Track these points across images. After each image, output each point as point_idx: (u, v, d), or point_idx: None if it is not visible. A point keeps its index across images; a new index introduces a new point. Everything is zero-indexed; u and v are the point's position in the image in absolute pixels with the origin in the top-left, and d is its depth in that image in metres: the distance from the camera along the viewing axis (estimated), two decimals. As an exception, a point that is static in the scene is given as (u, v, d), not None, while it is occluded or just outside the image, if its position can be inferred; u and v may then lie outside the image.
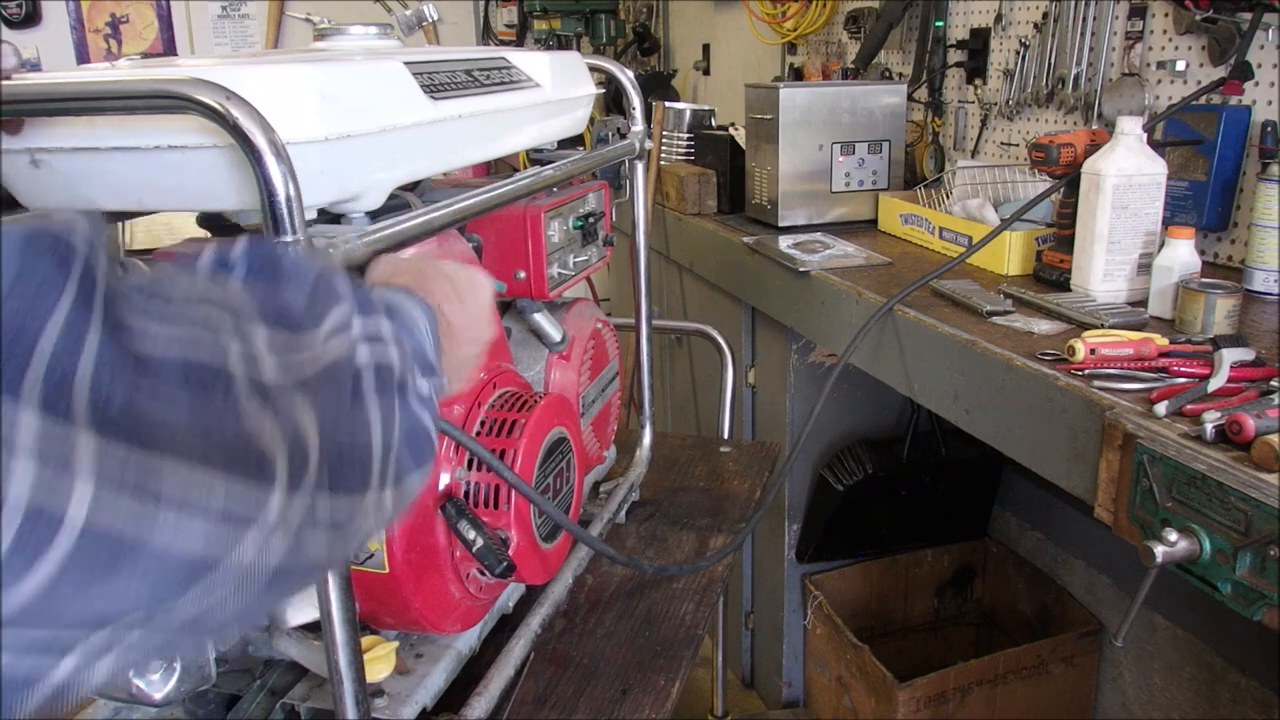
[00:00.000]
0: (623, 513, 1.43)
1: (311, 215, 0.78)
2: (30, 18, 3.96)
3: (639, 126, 1.37)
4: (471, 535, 0.92)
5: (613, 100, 3.16)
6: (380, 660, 0.92)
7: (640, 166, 1.40)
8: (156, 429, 0.37)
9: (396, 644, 0.95)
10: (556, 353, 1.26)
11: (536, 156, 1.24)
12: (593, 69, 1.31)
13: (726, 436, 1.89)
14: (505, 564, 0.93)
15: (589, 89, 1.28)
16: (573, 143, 1.31)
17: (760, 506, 1.49)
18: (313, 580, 0.58)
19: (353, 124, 0.78)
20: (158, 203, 0.78)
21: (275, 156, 0.64)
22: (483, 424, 1.00)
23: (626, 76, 1.34)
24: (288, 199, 0.64)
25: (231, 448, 0.40)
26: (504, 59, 1.12)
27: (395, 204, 0.92)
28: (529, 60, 1.16)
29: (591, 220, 1.31)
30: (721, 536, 1.39)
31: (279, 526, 0.42)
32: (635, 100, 1.36)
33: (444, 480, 0.95)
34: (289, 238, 0.65)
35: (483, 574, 0.97)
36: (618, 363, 1.46)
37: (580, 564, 1.22)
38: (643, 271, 1.45)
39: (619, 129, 1.37)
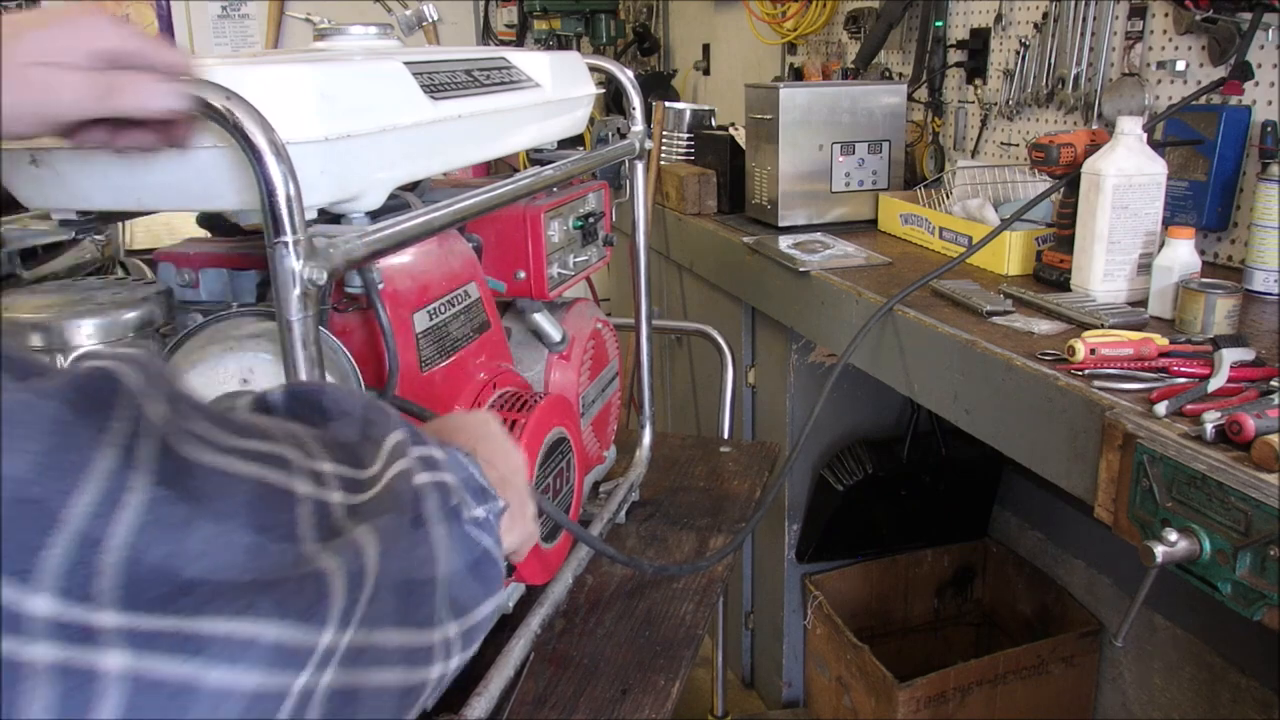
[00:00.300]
0: (623, 513, 1.43)
1: (312, 215, 0.78)
2: (30, 18, 3.95)
3: (639, 126, 1.37)
4: None
5: (613, 100, 3.16)
6: None
7: (640, 166, 1.40)
8: (198, 585, 0.35)
9: None
10: (556, 353, 1.26)
11: (536, 156, 1.24)
12: (593, 69, 1.31)
13: (726, 436, 1.89)
14: (506, 565, 0.93)
15: (589, 89, 1.28)
16: (573, 143, 1.31)
17: (760, 506, 1.49)
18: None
19: (353, 124, 0.78)
20: (157, 203, 0.77)
21: (275, 156, 0.63)
22: None
23: (626, 76, 1.34)
24: (288, 199, 0.64)
25: (284, 589, 0.38)
26: (504, 59, 1.12)
27: (395, 204, 0.92)
28: (529, 60, 1.16)
29: (591, 220, 1.31)
30: (721, 536, 1.39)
31: (327, 666, 0.39)
32: (635, 100, 1.36)
33: None
34: (289, 238, 0.65)
35: None
36: (618, 363, 1.46)
37: (580, 564, 1.22)
38: (643, 271, 1.45)
39: (619, 129, 1.37)
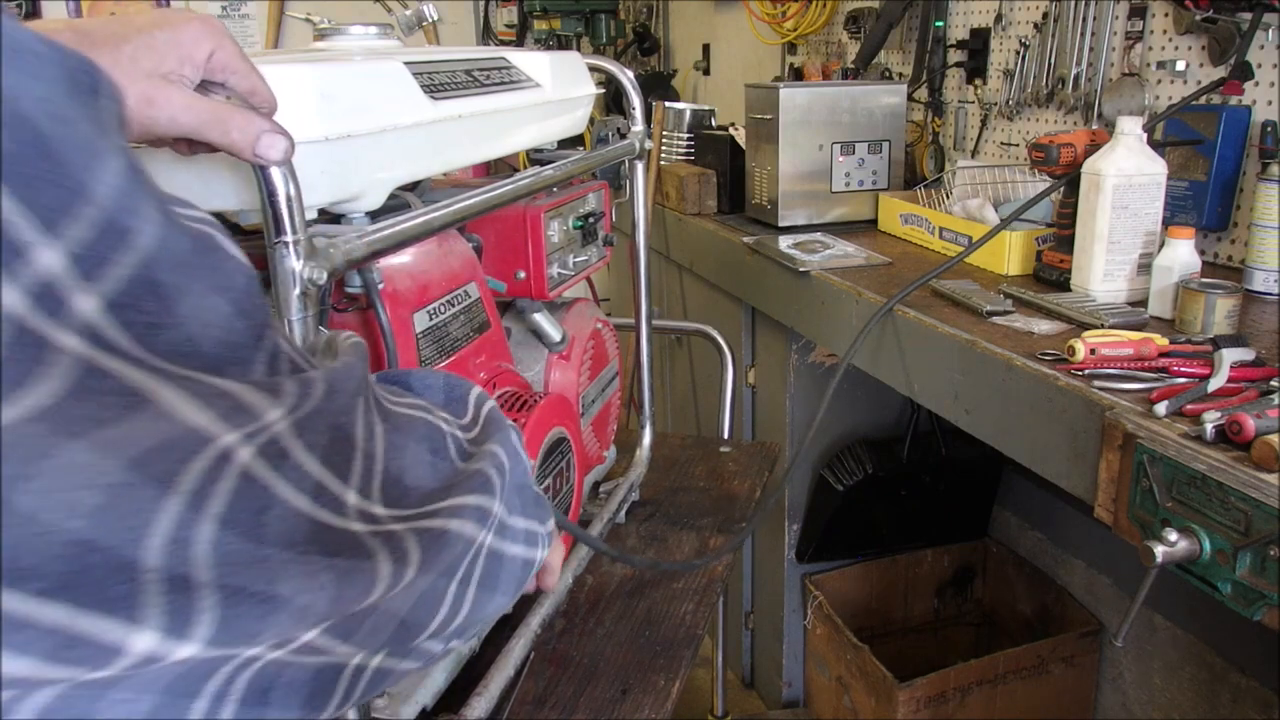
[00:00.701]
0: (622, 513, 1.42)
1: (312, 215, 0.77)
2: (29, 17, 3.96)
3: (639, 127, 1.37)
4: None
5: (612, 100, 3.16)
6: None
7: (640, 166, 1.40)
8: (419, 489, 0.50)
9: None
10: (556, 353, 1.26)
11: (536, 156, 1.24)
12: (593, 69, 1.31)
13: (726, 436, 1.89)
14: None
15: (589, 89, 1.28)
16: (573, 143, 1.31)
17: (762, 506, 1.49)
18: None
19: (353, 124, 0.78)
20: None
21: None
22: None
23: (626, 76, 1.34)
24: (288, 199, 0.64)
25: (465, 484, 0.54)
26: (504, 59, 1.12)
27: (395, 204, 0.92)
28: (529, 60, 1.16)
29: (591, 220, 1.31)
30: (722, 537, 1.39)
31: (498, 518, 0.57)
32: (635, 100, 1.35)
33: None
34: (289, 238, 0.65)
35: None
36: (618, 363, 1.46)
37: (580, 564, 1.21)
38: (643, 271, 1.45)
39: (619, 129, 1.37)
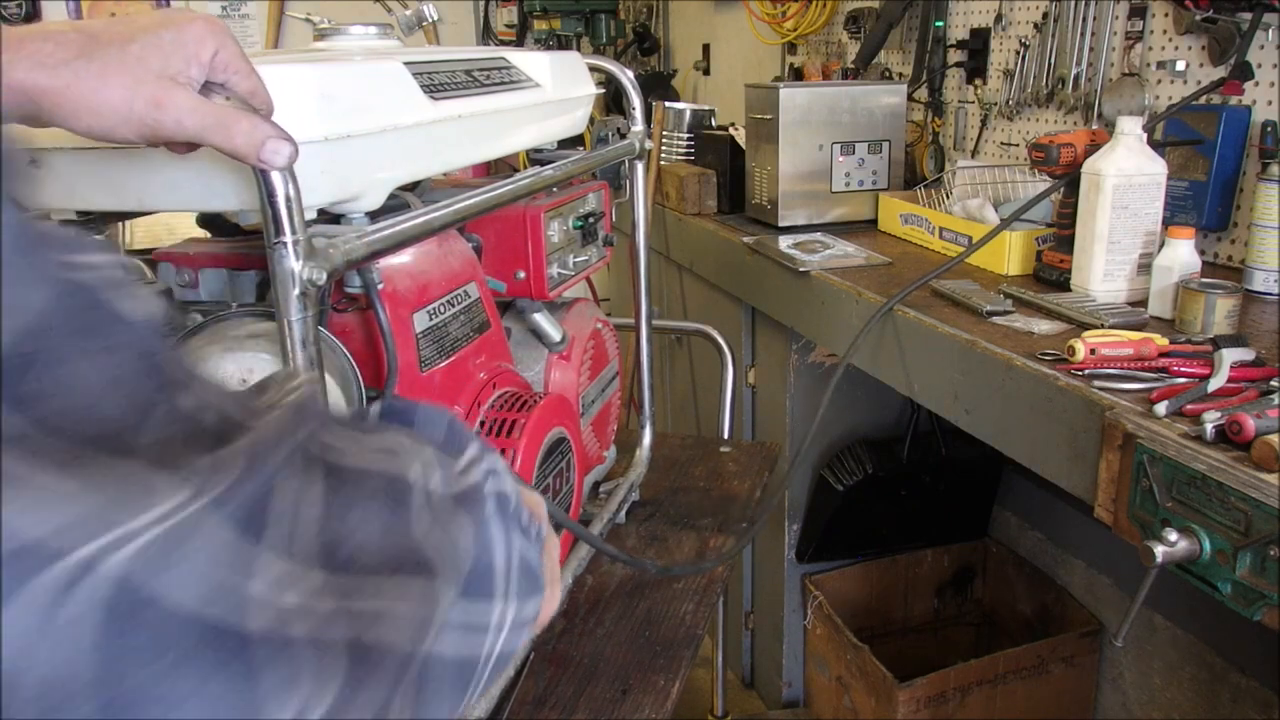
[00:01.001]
0: (623, 513, 1.42)
1: (311, 215, 0.77)
2: (30, 18, 3.95)
3: (639, 127, 1.37)
4: None
5: (612, 100, 3.16)
6: None
7: (640, 167, 1.40)
8: (356, 552, 0.40)
9: None
10: (556, 353, 1.26)
11: (536, 156, 1.24)
12: (593, 69, 1.31)
13: (726, 436, 1.89)
14: None
15: (589, 89, 1.28)
16: (573, 143, 1.31)
17: (765, 506, 1.49)
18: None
19: (353, 124, 0.78)
20: (157, 203, 0.77)
21: None
22: (482, 424, 0.99)
23: (626, 76, 1.34)
24: (287, 199, 0.64)
25: (407, 558, 0.42)
26: (504, 59, 1.12)
27: (395, 204, 0.92)
28: (529, 60, 1.16)
29: (591, 220, 1.31)
30: (722, 537, 1.39)
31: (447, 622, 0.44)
32: (635, 100, 1.35)
33: None
34: (288, 238, 0.65)
35: None
36: (618, 363, 1.46)
37: (580, 564, 1.21)
38: (642, 271, 1.45)
39: (619, 129, 1.37)
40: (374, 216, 0.83)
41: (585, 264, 1.30)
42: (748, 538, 1.36)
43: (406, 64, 0.89)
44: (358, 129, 0.78)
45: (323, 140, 0.74)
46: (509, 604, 0.51)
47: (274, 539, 0.35)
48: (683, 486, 1.56)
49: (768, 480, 1.61)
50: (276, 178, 0.64)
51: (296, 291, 0.66)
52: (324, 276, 0.67)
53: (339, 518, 0.39)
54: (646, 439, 1.51)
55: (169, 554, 0.31)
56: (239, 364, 0.83)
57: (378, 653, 0.38)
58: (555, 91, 1.17)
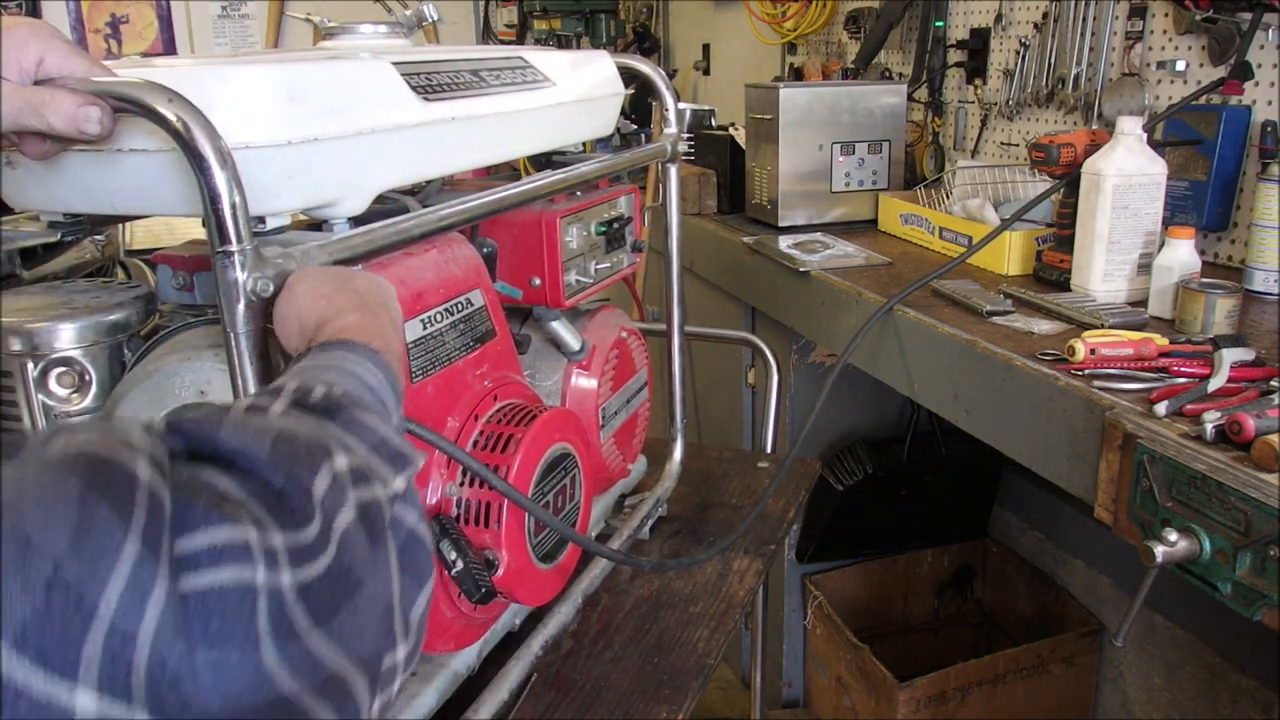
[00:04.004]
0: (646, 528, 1.37)
1: (283, 221, 0.75)
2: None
3: (672, 129, 1.30)
4: (452, 557, 0.87)
5: (630, 103, 3.14)
6: None
7: (674, 170, 1.32)
8: (198, 706, 0.35)
9: None
10: (575, 362, 1.21)
11: (559, 159, 1.20)
12: (623, 69, 1.25)
13: (770, 451, 1.77)
14: (484, 590, 0.88)
15: (614, 89, 1.22)
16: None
17: (756, 509, 1.45)
18: None
19: (324, 127, 0.74)
20: (128, 207, 0.76)
21: (219, 161, 0.61)
22: (478, 438, 0.96)
23: (660, 76, 1.28)
24: (232, 206, 0.62)
25: (274, 715, 0.38)
26: (520, 58, 1.08)
27: (393, 207, 0.90)
28: (547, 60, 1.12)
29: (617, 225, 1.26)
30: (748, 558, 1.33)
31: None
32: (669, 101, 1.29)
33: (434, 496, 0.91)
34: (233, 247, 0.63)
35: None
36: (647, 372, 1.40)
37: (592, 583, 1.16)
38: (675, 278, 1.38)
39: (618, 130, 1.33)
40: (361, 222, 0.80)
41: (609, 270, 1.25)
42: (737, 534, 1.31)
43: (397, 64, 0.86)
44: (329, 132, 0.75)
45: (285, 144, 0.71)
46: (410, 614, 0.49)
47: (93, 656, 0.31)
48: (713, 503, 1.49)
49: (803, 500, 1.53)
50: (220, 183, 0.61)
51: (241, 304, 0.64)
52: (270, 288, 0.64)
53: (180, 644, 0.35)
54: (677, 452, 1.45)
55: None
56: (196, 375, 0.81)
57: None
58: (575, 92, 1.12)
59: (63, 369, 0.85)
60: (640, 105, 2.85)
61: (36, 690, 0.30)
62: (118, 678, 0.32)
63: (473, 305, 1.01)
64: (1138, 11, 1.75)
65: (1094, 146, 1.48)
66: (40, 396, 0.84)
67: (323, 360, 0.57)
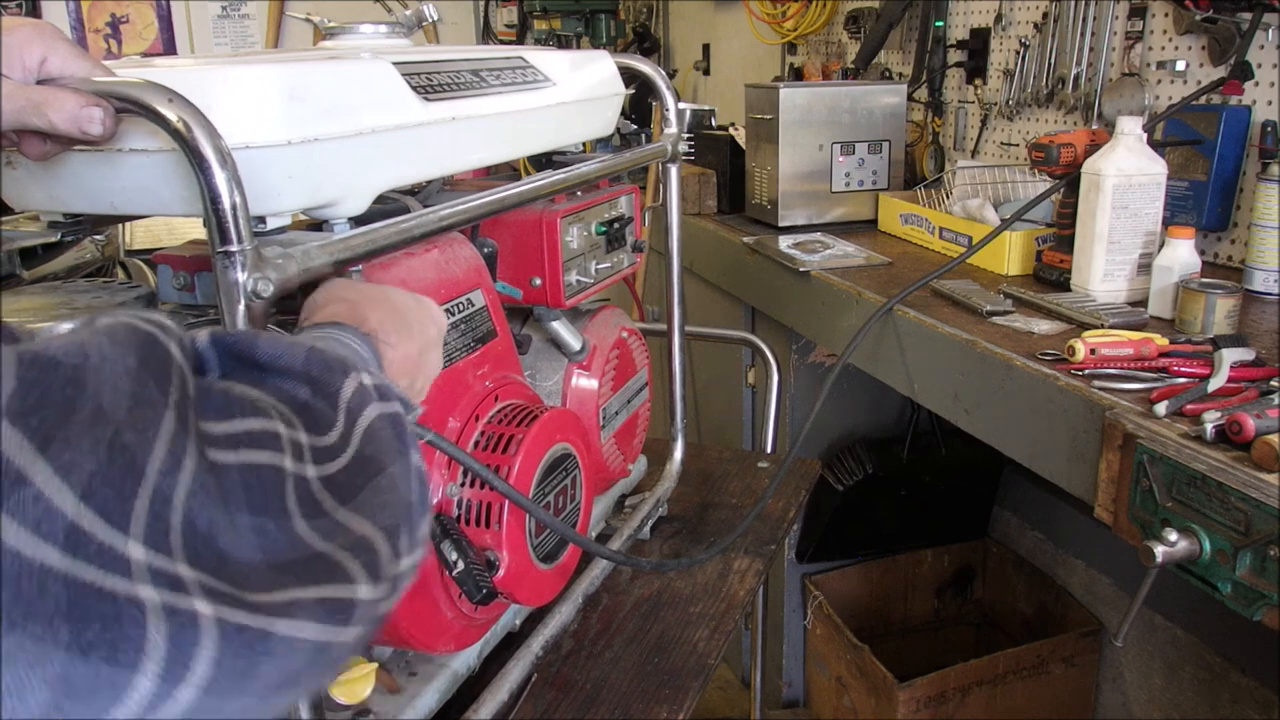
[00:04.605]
0: (646, 528, 1.37)
1: (284, 221, 0.75)
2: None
3: (672, 129, 1.30)
4: (453, 557, 0.87)
5: (630, 103, 3.14)
6: (359, 680, 0.88)
7: (674, 170, 1.32)
8: (235, 559, 0.39)
9: (376, 664, 0.91)
10: (576, 362, 1.21)
11: (560, 159, 1.20)
12: (623, 69, 1.25)
13: (770, 451, 1.78)
14: (485, 591, 0.88)
15: (614, 89, 1.22)
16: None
17: (755, 509, 1.46)
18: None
19: (324, 127, 0.74)
20: (129, 206, 0.75)
21: (219, 162, 0.61)
22: (479, 439, 0.96)
23: (660, 76, 1.28)
24: (232, 206, 0.62)
25: (306, 569, 0.42)
26: (521, 59, 1.08)
27: (394, 207, 0.90)
28: (548, 60, 1.12)
29: (618, 225, 1.26)
30: (748, 558, 1.33)
31: (380, 603, 0.45)
32: (669, 100, 1.29)
33: (435, 496, 0.91)
34: (234, 248, 0.63)
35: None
36: (647, 372, 1.40)
37: (593, 583, 1.17)
38: (675, 278, 1.39)
39: (619, 130, 1.33)
40: (362, 222, 0.80)
41: (610, 270, 1.25)
42: (736, 534, 1.31)
43: (398, 64, 0.85)
44: (330, 132, 0.75)
45: (285, 144, 0.71)
46: (421, 528, 0.52)
47: (140, 513, 0.34)
48: (714, 503, 1.49)
49: (804, 499, 1.53)
50: (220, 183, 0.61)
51: (241, 304, 0.64)
52: (270, 288, 0.64)
53: (209, 516, 0.38)
54: (678, 452, 1.45)
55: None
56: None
57: (267, 651, 0.38)
58: (575, 92, 1.12)
59: (63, 369, 0.84)
60: (640, 105, 2.85)
61: (100, 538, 0.33)
62: (159, 534, 0.35)
63: (474, 305, 1.01)
64: (1138, 11, 1.75)
65: (1094, 146, 1.48)
66: (41, 396, 0.84)
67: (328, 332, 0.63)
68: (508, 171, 2.01)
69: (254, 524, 0.40)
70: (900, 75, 2.46)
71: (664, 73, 1.30)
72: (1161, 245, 1.40)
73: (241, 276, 0.63)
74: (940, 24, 2.29)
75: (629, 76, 1.28)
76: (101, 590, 0.32)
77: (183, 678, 0.34)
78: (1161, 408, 1.04)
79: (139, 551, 0.34)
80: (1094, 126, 1.80)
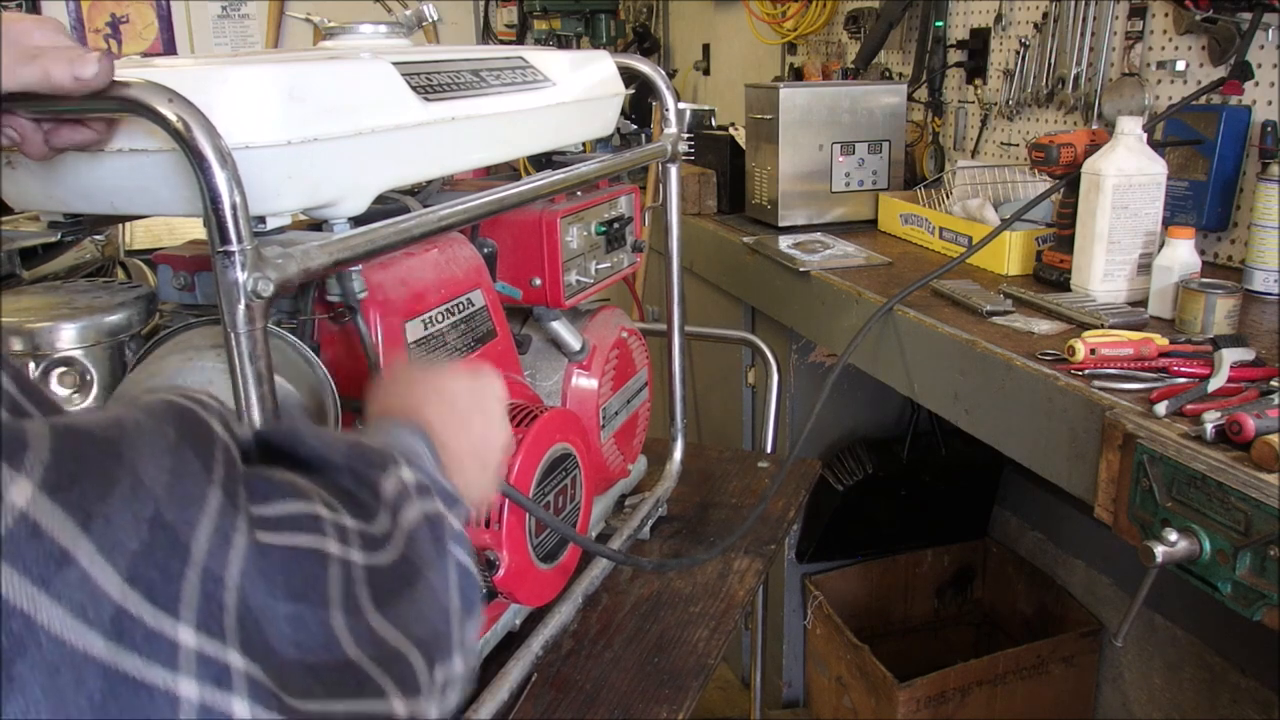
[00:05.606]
0: (646, 528, 1.37)
1: (284, 221, 0.75)
2: (30, 18, 3.94)
3: (672, 129, 1.30)
4: None
5: (629, 103, 3.14)
6: None
7: (674, 170, 1.32)
8: (276, 651, 0.37)
9: None
10: (576, 362, 1.22)
11: (560, 159, 1.20)
12: (623, 69, 1.25)
13: (770, 451, 1.78)
14: (485, 590, 0.88)
15: (614, 89, 1.23)
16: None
17: (755, 510, 1.46)
18: None
19: (323, 127, 0.74)
20: (128, 206, 0.76)
21: (219, 162, 0.61)
22: None
23: (660, 76, 1.28)
24: (232, 206, 0.62)
25: (338, 680, 0.40)
26: (521, 59, 1.09)
27: (394, 207, 0.90)
28: (548, 60, 1.12)
29: (617, 225, 1.26)
30: (748, 558, 1.33)
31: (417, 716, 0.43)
32: (669, 100, 1.29)
33: None
34: (234, 247, 0.63)
35: None
36: (647, 372, 1.40)
37: (592, 583, 1.17)
38: (675, 278, 1.39)
39: (619, 130, 1.33)
40: (362, 222, 0.80)
41: (610, 270, 1.25)
42: (737, 534, 1.31)
43: (397, 64, 0.86)
44: (329, 132, 0.75)
45: (285, 144, 0.71)
46: (464, 632, 0.51)
47: (191, 595, 0.33)
48: (714, 503, 1.49)
49: (804, 499, 1.53)
50: (221, 183, 0.61)
51: (242, 304, 0.64)
52: (270, 288, 0.64)
53: (262, 592, 0.36)
54: (677, 452, 1.45)
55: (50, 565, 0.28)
56: (199, 376, 0.80)
57: None
58: (575, 92, 1.12)
59: (64, 369, 0.85)
60: (640, 105, 2.85)
61: (148, 623, 0.31)
62: (213, 617, 0.33)
63: (473, 305, 1.01)
64: (1138, 11, 1.75)
65: (1094, 146, 1.48)
66: (41, 396, 0.84)
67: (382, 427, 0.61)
68: (508, 171, 2.01)
69: (292, 613, 0.38)
70: (900, 75, 2.46)
71: (664, 73, 1.30)
72: (1161, 245, 1.40)
73: (241, 276, 0.63)
74: (940, 24, 2.29)
75: (629, 76, 1.28)
76: (140, 684, 0.30)
77: None
78: (1161, 408, 1.04)
79: (189, 636, 0.32)
80: (1094, 126, 1.80)
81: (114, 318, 0.86)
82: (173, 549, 0.33)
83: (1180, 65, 1.67)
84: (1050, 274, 1.56)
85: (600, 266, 1.23)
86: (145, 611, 0.31)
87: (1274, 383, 1.06)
